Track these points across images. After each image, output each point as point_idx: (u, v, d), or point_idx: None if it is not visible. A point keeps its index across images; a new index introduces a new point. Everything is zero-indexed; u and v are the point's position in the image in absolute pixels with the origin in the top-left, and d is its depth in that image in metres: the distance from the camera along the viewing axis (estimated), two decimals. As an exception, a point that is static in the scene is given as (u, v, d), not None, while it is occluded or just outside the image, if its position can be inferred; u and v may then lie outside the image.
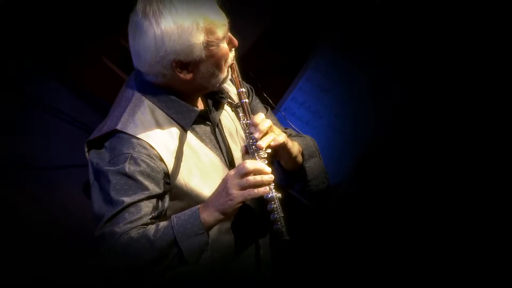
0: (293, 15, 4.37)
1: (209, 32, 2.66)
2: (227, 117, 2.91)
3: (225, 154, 2.85)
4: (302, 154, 2.92)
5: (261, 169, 2.64)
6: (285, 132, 2.93)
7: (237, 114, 2.91)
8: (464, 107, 3.81)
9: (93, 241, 2.66)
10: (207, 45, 2.67)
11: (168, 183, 2.71)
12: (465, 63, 3.83)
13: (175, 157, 2.72)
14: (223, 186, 2.63)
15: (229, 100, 2.91)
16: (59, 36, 4.60)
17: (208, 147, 2.81)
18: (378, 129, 3.91)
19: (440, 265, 3.72)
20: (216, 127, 2.85)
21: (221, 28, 2.69)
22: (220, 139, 2.86)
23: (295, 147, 2.88)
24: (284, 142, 2.79)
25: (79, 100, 4.59)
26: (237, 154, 2.87)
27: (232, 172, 2.63)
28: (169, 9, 2.64)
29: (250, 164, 2.63)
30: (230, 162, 2.85)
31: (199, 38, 2.65)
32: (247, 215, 2.84)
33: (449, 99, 3.84)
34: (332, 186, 3.69)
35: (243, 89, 2.83)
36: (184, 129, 2.76)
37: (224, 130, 2.87)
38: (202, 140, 2.80)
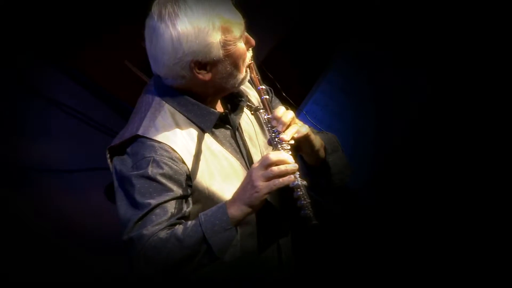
0: (313, 20, 4.36)
1: (225, 31, 2.67)
2: (246, 121, 2.90)
3: (245, 158, 2.85)
4: (325, 149, 2.92)
5: (284, 159, 2.64)
6: None
7: (256, 117, 2.91)
8: (486, 107, 3.79)
9: (121, 245, 2.66)
10: (224, 44, 2.67)
11: (191, 186, 2.72)
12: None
13: (197, 161, 2.72)
14: (248, 179, 2.63)
15: (248, 103, 2.91)
16: (82, 38, 4.63)
17: (228, 151, 2.81)
18: (400, 132, 3.90)
19: (454, 268, 3.71)
20: (236, 130, 2.85)
21: (237, 27, 2.69)
22: (240, 143, 2.85)
23: (317, 140, 2.87)
24: (307, 133, 2.79)
25: (101, 103, 4.62)
26: (257, 157, 2.86)
27: (256, 164, 2.64)
28: (184, 10, 2.65)
29: (273, 155, 2.63)
30: (250, 166, 2.80)
31: (216, 38, 2.66)
32: (269, 217, 2.84)
33: (467, 99, 3.82)
34: (352, 191, 3.69)
35: (263, 87, 2.83)
36: (204, 132, 2.76)
37: (244, 134, 2.87)
38: (222, 144, 2.81)
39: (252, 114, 2.91)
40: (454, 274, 3.73)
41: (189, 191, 2.71)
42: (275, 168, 2.61)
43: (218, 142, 2.79)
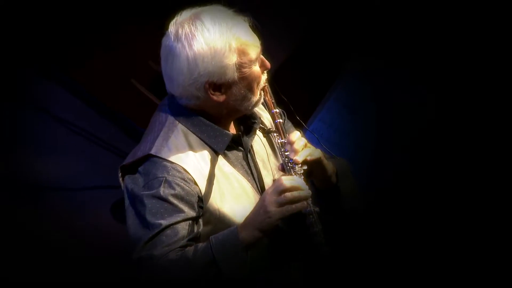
0: (321, 37, 4.36)
1: (241, 53, 2.67)
2: (259, 143, 2.90)
3: (256, 180, 2.84)
4: (336, 175, 2.91)
5: (298, 185, 2.63)
6: None
7: (269, 139, 2.91)
8: (491, 122, 3.79)
9: (127, 262, 2.66)
10: (240, 66, 2.67)
11: (202, 207, 2.71)
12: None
13: (209, 182, 2.72)
14: (261, 204, 2.63)
15: (261, 125, 2.90)
16: (90, 56, 4.65)
17: (240, 173, 2.80)
18: (406, 149, 3.90)
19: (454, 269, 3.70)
20: (248, 153, 2.84)
21: (254, 49, 2.70)
22: (252, 165, 2.84)
23: (329, 165, 2.87)
24: (320, 158, 2.78)
25: (107, 121, 4.63)
26: (268, 180, 2.86)
27: (270, 189, 2.63)
28: (201, 31, 2.65)
29: (287, 181, 2.62)
30: (261, 189, 2.84)
31: (232, 59, 2.66)
32: (281, 240, 2.82)
33: (472, 111, 3.82)
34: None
35: (277, 110, 2.83)
36: (216, 153, 2.76)
37: (256, 156, 2.86)
38: (234, 166, 2.80)
39: (264, 136, 2.91)
40: (455, 276, 3.72)
41: (200, 212, 2.70)
42: (288, 194, 2.60)
43: (230, 164, 2.78)
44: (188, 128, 2.75)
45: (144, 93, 4.57)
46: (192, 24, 2.66)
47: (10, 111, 4.60)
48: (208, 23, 2.65)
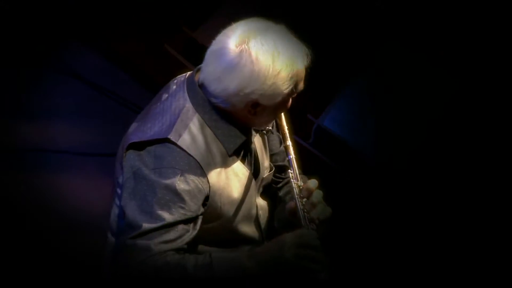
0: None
1: (295, 85, 2.65)
2: (256, 141, 2.91)
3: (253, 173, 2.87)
4: None
5: (321, 248, 2.65)
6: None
7: (262, 136, 2.93)
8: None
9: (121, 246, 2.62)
10: (288, 95, 2.66)
11: (206, 204, 2.72)
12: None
13: (217, 179, 2.73)
14: (280, 248, 2.63)
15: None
16: (122, 23, 4.66)
17: (247, 168, 2.83)
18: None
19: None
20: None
21: (304, 83, 2.68)
22: (252, 161, 2.86)
23: None
24: (328, 218, 2.81)
25: (140, 86, 4.64)
26: (262, 171, 2.90)
27: (292, 237, 2.64)
28: (272, 52, 2.58)
29: (316, 240, 2.65)
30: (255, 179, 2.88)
31: (287, 89, 2.63)
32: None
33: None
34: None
35: (289, 143, 2.83)
36: (227, 152, 2.75)
37: (257, 151, 2.88)
38: (243, 162, 2.81)
39: (260, 135, 2.91)
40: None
41: (203, 210, 2.71)
42: (312, 252, 2.63)
43: (240, 160, 2.80)
44: (205, 121, 2.70)
45: (178, 58, 4.54)
46: (265, 41, 2.58)
47: (37, 75, 4.66)
48: (280, 47, 2.59)
